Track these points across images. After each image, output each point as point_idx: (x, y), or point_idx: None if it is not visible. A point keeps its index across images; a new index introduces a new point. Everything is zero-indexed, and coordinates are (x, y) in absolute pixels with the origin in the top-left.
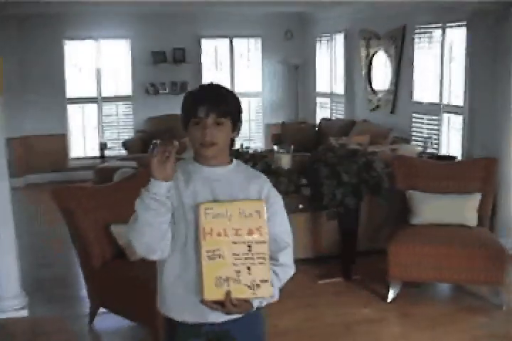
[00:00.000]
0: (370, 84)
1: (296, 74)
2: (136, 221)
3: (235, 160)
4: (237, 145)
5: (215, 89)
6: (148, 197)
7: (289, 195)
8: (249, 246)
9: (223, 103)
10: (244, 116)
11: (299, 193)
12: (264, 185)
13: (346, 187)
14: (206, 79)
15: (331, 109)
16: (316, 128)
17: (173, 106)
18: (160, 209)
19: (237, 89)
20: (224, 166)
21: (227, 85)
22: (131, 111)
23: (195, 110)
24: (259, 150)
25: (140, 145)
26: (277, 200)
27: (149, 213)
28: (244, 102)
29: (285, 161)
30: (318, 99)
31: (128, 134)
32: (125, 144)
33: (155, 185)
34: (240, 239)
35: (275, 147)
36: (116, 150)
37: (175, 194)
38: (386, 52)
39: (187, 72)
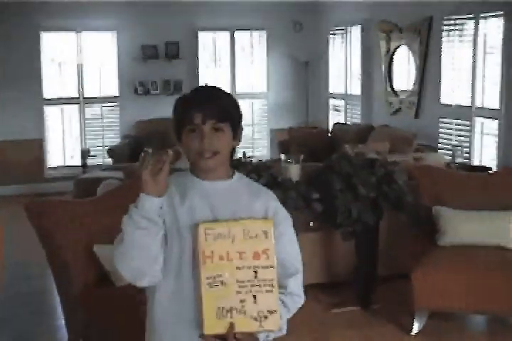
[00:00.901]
0: (391, 83)
1: (306, 73)
2: (123, 242)
3: (237, 173)
4: (238, 154)
5: (210, 91)
6: (138, 214)
7: (298, 211)
8: (255, 272)
9: (221, 106)
10: (245, 120)
11: (310, 209)
12: (270, 201)
13: (363, 201)
14: (203, 77)
15: (346, 113)
16: (329, 134)
17: (165, 108)
18: (151, 228)
19: (239, 90)
20: (225, 180)
21: (227, 85)
22: (118, 114)
23: (189, 116)
24: (263, 159)
25: (128, 152)
26: (286, 219)
27: (138, 233)
28: (246, 104)
29: (293, 172)
30: (331, 101)
31: (114, 140)
32: (110, 151)
33: (146, 200)
34: (245, 264)
35: (282, 156)
36: (100, 159)
37: (169, 211)
38: (409, 47)
39: (182, 70)
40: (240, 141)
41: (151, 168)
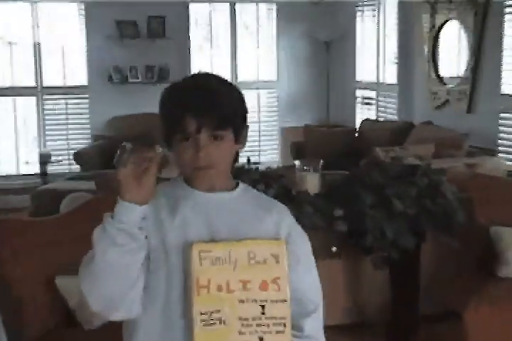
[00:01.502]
0: (436, 69)
1: (326, 56)
2: (94, 261)
3: (241, 184)
4: (240, 160)
5: (207, 85)
6: (114, 226)
7: (317, 231)
8: (262, 307)
9: (222, 109)
10: (250, 116)
11: (332, 229)
12: (283, 218)
13: (400, 220)
14: (196, 61)
15: (378, 107)
16: (356, 135)
17: (148, 100)
18: (130, 244)
19: (242, 77)
20: (226, 192)
21: (227, 71)
22: (87, 109)
23: (181, 122)
24: (272, 166)
25: (99, 157)
26: (303, 241)
27: (113, 250)
28: (251, 96)
29: (311, 183)
30: (359, 92)
31: (82, 142)
32: (78, 156)
33: (124, 208)
34: (250, 296)
35: (296, 162)
36: (64, 166)
37: (154, 227)
38: (461, 21)
39: (169, 52)
40: (244, 143)
41: (133, 167)
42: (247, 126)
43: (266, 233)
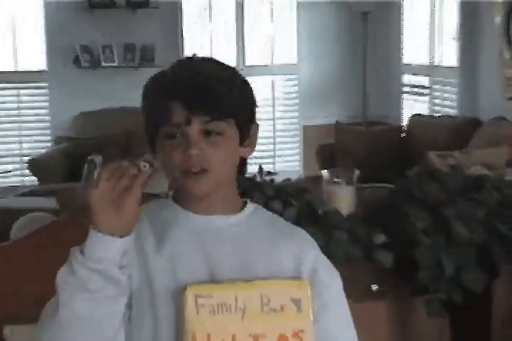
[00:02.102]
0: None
1: (363, 31)
2: (58, 312)
3: (250, 204)
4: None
5: (200, 68)
6: (86, 266)
7: (353, 265)
8: None
9: (219, 94)
10: (261, 111)
11: (372, 262)
12: (306, 249)
13: (464, 250)
14: (190, 39)
15: (432, 98)
16: (403, 135)
17: (128, 90)
18: (106, 290)
19: (250, 61)
20: (230, 214)
21: (230, 53)
22: (47, 101)
23: (165, 112)
24: (293, 177)
25: (63, 166)
26: (331, 279)
27: (85, 298)
28: (263, 85)
29: (343, 200)
30: (407, 78)
31: (40, 145)
32: (34, 164)
33: (99, 242)
34: None
35: (324, 172)
36: (16, 177)
37: (136, 263)
38: None
39: (154, 26)
40: (253, 147)
41: (108, 187)
42: (257, 125)
43: (283, 270)
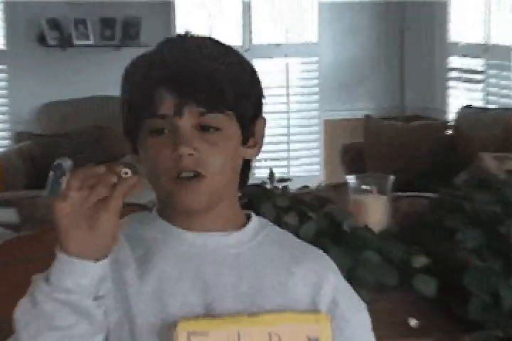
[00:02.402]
0: None
1: (400, 1)
2: None
3: (255, 218)
4: (257, 173)
5: (196, 48)
6: (51, 297)
7: (386, 294)
8: None
9: (217, 81)
10: (272, 103)
11: (410, 290)
12: (324, 275)
13: None
14: (183, 11)
15: (486, 85)
16: (449, 132)
17: (106, 74)
18: (78, 326)
19: (258, 39)
20: (230, 232)
21: (234, 30)
22: (5, 89)
23: (150, 101)
24: (311, 184)
25: (25, 170)
26: (356, 313)
27: (52, 336)
28: (273, 70)
29: (375, 213)
30: (455, 61)
31: None
32: None
33: (69, 268)
34: None
35: (350, 178)
36: None
37: (114, 293)
38: None
39: None
40: (259, 148)
41: (79, 199)
42: (264, 119)
43: (296, 301)
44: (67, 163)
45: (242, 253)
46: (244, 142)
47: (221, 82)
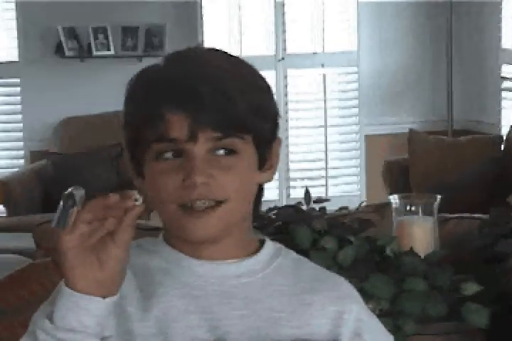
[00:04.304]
0: None
1: (447, 7)
2: None
3: (269, 243)
4: (292, 194)
5: (210, 64)
6: (55, 337)
7: (433, 324)
8: None
9: (234, 102)
10: (308, 118)
11: (460, 321)
12: (347, 306)
13: None
14: (211, 20)
15: None
16: (502, 147)
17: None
18: None
19: (293, 48)
20: (241, 260)
21: (266, 39)
22: (19, 104)
23: (159, 123)
24: (350, 205)
25: (41, 192)
26: None
27: None
28: (310, 83)
29: (421, 236)
30: (507, 70)
31: (9, 163)
32: (2, 190)
33: (74, 305)
34: None
35: (393, 198)
36: None
37: (116, 329)
38: None
39: (163, 3)
40: (274, 171)
41: (86, 231)
42: (279, 140)
43: (314, 334)
44: (79, 193)
45: (254, 283)
46: (261, 166)
47: (238, 103)
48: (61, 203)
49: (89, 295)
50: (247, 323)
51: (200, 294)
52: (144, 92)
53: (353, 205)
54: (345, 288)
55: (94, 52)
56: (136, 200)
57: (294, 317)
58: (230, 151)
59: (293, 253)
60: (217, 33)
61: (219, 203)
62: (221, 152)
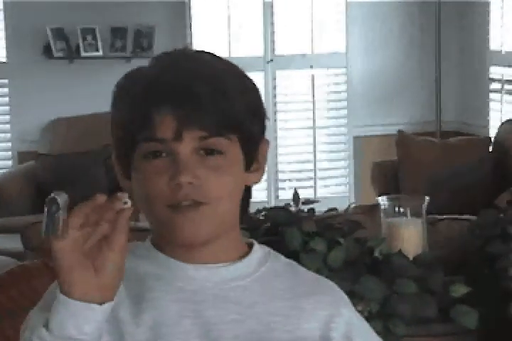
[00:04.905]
0: None
1: (437, 7)
2: None
3: (257, 247)
4: (281, 195)
5: (196, 65)
6: None
7: (424, 327)
8: None
9: (220, 101)
10: (297, 119)
11: (450, 322)
12: (336, 309)
13: None
14: (200, 21)
15: None
16: (490, 149)
17: None
18: None
19: (281, 49)
20: (231, 262)
21: (255, 39)
22: (7, 105)
23: (146, 122)
24: (339, 207)
25: (29, 192)
26: None
27: None
28: (299, 84)
29: (410, 238)
30: (497, 71)
31: None
32: None
33: (71, 313)
34: None
35: (381, 199)
36: None
37: (108, 335)
38: None
39: (152, 4)
40: (261, 173)
41: (79, 236)
42: (267, 141)
43: (306, 337)
44: (62, 197)
45: (246, 287)
46: (248, 167)
47: (225, 104)
48: (46, 209)
49: (86, 303)
50: (240, 327)
51: (193, 298)
52: (132, 93)
53: (341, 207)
54: (335, 292)
55: (83, 53)
56: (125, 203)
57: (287, 321)
58: (216, 151)
59: (282, 257)
60: (206, 35)
61: (205, 204)
62: (207, 152)
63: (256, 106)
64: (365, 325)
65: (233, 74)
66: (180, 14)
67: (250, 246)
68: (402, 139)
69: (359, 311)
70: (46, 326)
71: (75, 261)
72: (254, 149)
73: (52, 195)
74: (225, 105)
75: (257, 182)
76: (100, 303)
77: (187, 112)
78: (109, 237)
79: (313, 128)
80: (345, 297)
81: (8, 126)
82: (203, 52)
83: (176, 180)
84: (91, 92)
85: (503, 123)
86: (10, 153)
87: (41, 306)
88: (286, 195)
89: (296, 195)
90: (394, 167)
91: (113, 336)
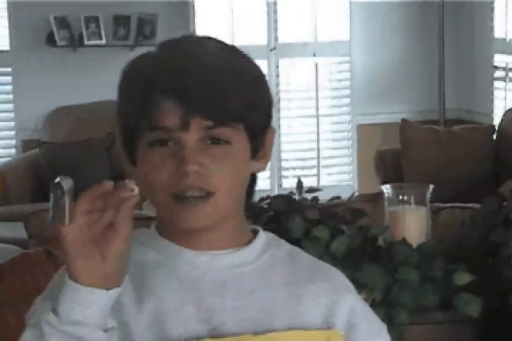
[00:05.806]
0: None
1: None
2: None
3: (261, 233)
4: (285, 183)
5: (203, 52)
6: (60, 330)
7: (426, 315)
8: None
9: (226, 90)
10: (301, 108)
11: (453, 311)
12: (340, 296)
13: None
14: (203, 9)
15: None
16: (495, 137)
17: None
18: None
19: (284, 37)
20: (235, 249)
21: (259, 28)
22: (10, 93)
23: (154, 111)
24: (343, 195)
25: (32, 181)
26: (376, 336)
27: None
28: (302, 73)
29: (413, 226)
30: (501, 59)
31: (0, 153)
32: None
33: (78, 298)
34: None
35: (385, 188)
36: None
37: (111, 317)
38: None
39: None
40: (267, 161)
41: (88, 223)
42: (273, 129)
43: (308, 324)
44: (67, 183)
45: (248, 274)
46: (253, 155)
47: (231, 92)
48: (51, 195)
49: (93, 288)
50: (241, 315)
51: (196, 285)
52: (137, 81)
53: (345, 195)
54: (338, 278)
55: (86, 42)
56: (132, 190)
57: (288, 307)
58: (223, 141)
59: (286, 244)
60: (209, 23)
61: (211, 193)
62: (213, 141)
63: (261, 95)
64: (369, 311)
65: (240, 61)
66: (183, 2)
67: (255, 233)
68: (405, 127)
69: None
70: (54, 311)
71: (82, 248)
72: (260, 138)
73: (56, 179)
74: (232, 94)
75: (262, 170)
76: (107, 289)
77: (192, 101)
78: (115, 224)
79: (317, 116)
80: (349, 283)
81: (11, 114)
82: (209, 38)
83: (182, 168)
84: (94, 81)
85: (507, 111)
86: (13, 141)
87: (48, 293)
88: (289, 184)
89: (299, 184)
90: (397, 155)
91: (117, 321)
